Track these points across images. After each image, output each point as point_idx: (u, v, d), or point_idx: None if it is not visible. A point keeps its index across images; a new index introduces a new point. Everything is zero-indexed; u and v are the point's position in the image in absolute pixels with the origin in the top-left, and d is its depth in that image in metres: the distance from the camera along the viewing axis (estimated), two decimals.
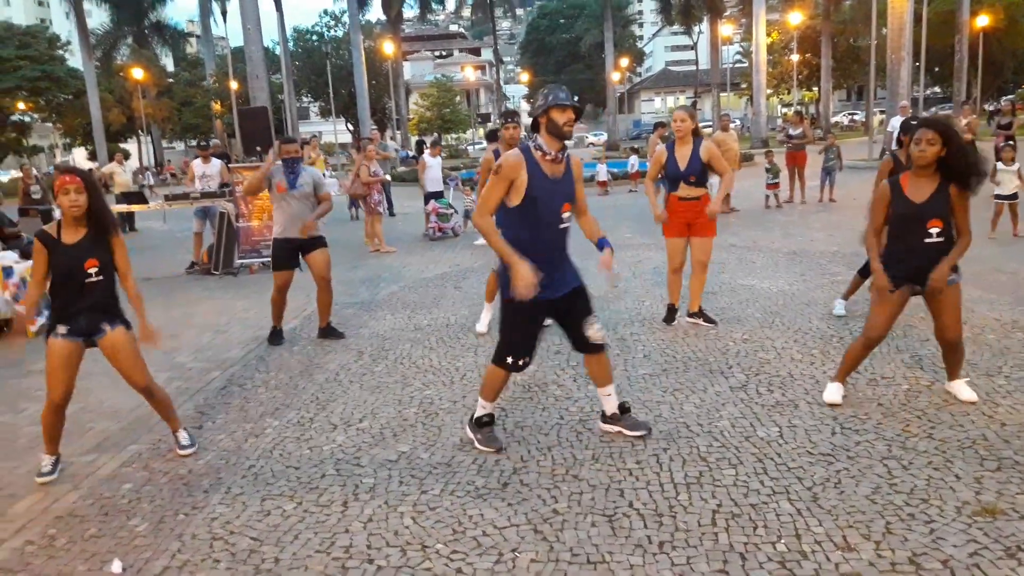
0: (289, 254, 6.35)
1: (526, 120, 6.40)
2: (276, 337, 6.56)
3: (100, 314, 4.02)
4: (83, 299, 3.95)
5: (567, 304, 3.91)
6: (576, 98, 3.79)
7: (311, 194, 6.30)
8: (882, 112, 28.65)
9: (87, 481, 4.02)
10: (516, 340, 3.88)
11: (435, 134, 50.73)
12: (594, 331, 3.93)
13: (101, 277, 3.97)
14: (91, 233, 3.95)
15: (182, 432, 4.36)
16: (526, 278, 3.58)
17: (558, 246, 3.84)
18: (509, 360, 3.90)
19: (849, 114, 59.70)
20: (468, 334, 6.42)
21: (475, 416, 4.16)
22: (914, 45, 23.88)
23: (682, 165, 5.89)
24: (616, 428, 4.15)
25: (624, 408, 4.18)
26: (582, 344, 3.99)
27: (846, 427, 4.05)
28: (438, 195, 13.03)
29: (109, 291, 4.05)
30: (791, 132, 14.65)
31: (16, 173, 37.65)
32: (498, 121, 6.13)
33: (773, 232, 11.04)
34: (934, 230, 3.95)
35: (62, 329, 3.95)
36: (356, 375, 5.52)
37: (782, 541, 3.02)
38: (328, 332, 6.60)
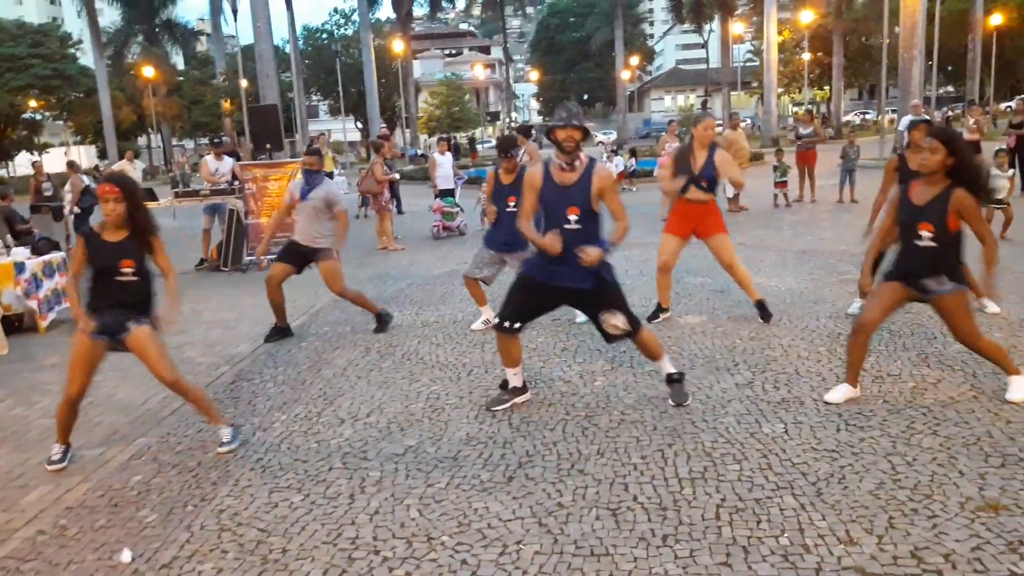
0: (292, 253, 6.48)
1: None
2: (277, 333, 6.60)
3: (128, 311, 4.11)
4: (113, 296, 4.08)
5: (583, 301, 4.40)
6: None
7: (323, 209, 6.31)
8: (894, 111, 28.54)
9: (97, 473, 4.07)
10: (508, 303, 4.43)
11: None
12: (608, 325, 4.27)
13: (135, 277, 4.09)
14: (131, 235, 4.09)
15: (223, 428, 4.29)
16: (548, 244, 4.14)
17: (566, 245, 4.13)
18: (496, 319, 4.48)
19: (860, 113, 59.43)
20: (475, 331, 6.44)
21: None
22: (927, 44, 23.77)
23: (696, 168, 5.90)
24: (668, 389, 4.55)
25: (672, 379, 4.52)
26: (604, 333, 4.37)
27: (851, 424, 4.05)
28: (449, 193, 13.07)
29: (142, 291, 4.16)
30: (801, 131, 14.61)
31: (25, 171, 37.84)
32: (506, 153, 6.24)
33: (782, 231, 11.04)
34: (925, 233, 4.03)
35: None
36: (363, 371, 5.56)
37: (785, 535, 3.03)
38: (378, 320, 6.66)
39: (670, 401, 4.46)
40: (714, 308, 6.67)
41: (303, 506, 3.54)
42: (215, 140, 12.02)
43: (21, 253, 7.73)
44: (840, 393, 4.39)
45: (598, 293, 4.25)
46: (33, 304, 7.48)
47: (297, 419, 4.67)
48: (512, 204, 5.98)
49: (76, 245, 4.18)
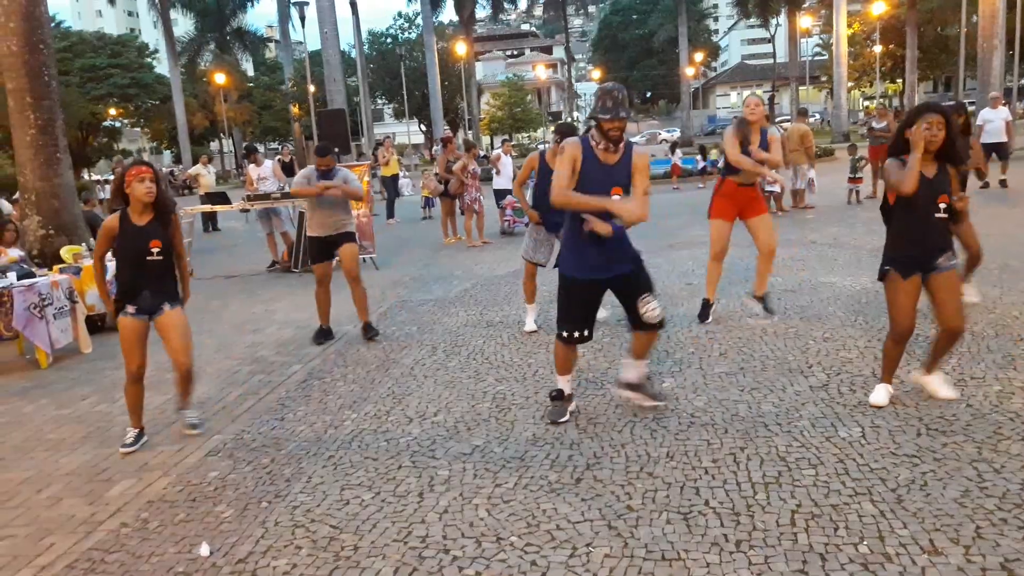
0: (323, 249, 6.65)
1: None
2: (322, 336, 6.73)
3: (161, 294, 4.46)
4: (144, 278, 4.41)
5: (622, 284, 4.17)
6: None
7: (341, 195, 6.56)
8: (971, 103, 27.45)
9: (176, 469, 4.20)
10: (571, 315, 4.24)
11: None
12: (648, 310, 4.10)
13: (161, 258, 4.40)
14: (156, 217, 4.40)
15: (189, 413, 4.73)
16: (602, 229, 3.93)
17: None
18: (564, 334, 4.25)
19: None
20: (539, 331, 6.43)
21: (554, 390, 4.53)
22: (1007, 33, 22.81)
23: (754, 149, 5.84)
24: (630, 395, 4.46)
25: (639, 383, 4.42)
26: (637, 322, 4.20)
27: (932, 428, 3.90)
28: (508, 192, 13.14)
29: (169, 272, 4.50)
30: (875, 125, 14.17)
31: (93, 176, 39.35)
32: (554, 137, 6.26)
33: (856, 228, 10.72)
34: (942, 205, 4.02)
35: (131, 308, 4.43)
36: (431, 370, 5.61)
37: (864, 543, 2.93)
38: (366, 329, 6.67)
39: (644, 404, 4.40)
40: (785, 308, 6.51)
41: (374, 504, 3.58)
42: (249, 147, 12.54)
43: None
44: (884, 394, 4.28)
45: (634, 275, 4.13)
46: None
47: (367, 417, 4.74)
48: None
49: (107, 224, 4.43)
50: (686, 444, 3.96)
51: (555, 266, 4.32)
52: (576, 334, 4.24)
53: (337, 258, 6.68)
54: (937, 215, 4.03)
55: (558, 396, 4.47)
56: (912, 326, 4.16)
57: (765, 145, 5.83)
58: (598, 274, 4.13)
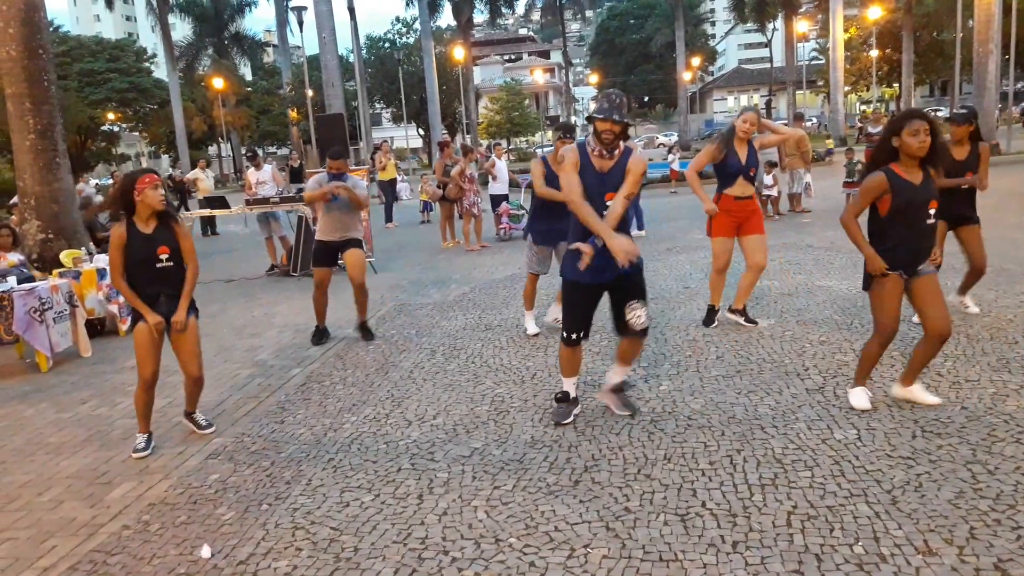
0: (327, 254, 6.74)
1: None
2: (320, 336, 6.86)
3: (176, 298, 4.46)
4: (157, 284, 4.41)
5: (615, 287, 4.21)
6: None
7: (350, 201, 6.61)
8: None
9: (176, 472, 4.22)
10: (575, 317, 4.29)
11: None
12: (634, 316, 4.17)
13: (171, 263, 4.42)
14: (160, 225, 4.42)
15: (199, 414, 4.84)
16: (623, 247, 3.83)
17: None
18: (565, 335, 4.33)
19: (932, 110, 57.45)
20: (540, 333, 6.46)
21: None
22: (1003, 37, 22.90)
23: (743, 159, 5.94)
24: (607, 401, 4.55)
25: (619, 388, 4.51)
26: (622, 327, 4.24)
27: (928, 431, 3.94)
28: (504, 198, 13.14)
29: (180, 278, 4.48)
30: (871, 130, 14.24)
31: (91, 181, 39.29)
32: (555, 134, 6.30)
33: None
34: (932, 211, 4.06)
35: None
36: (429, 373, 5.63)
37: (859, 543, 2.96)
38: (362, 328, 6.83)
39: (616, 410, 4.48)
40: (782, 311, 6.55)
41: (373, 506, 3.61)
42: (249, 152, 12.55)
43: (103, 260, 8.06)
44: (866, 397, 4.33)
45: (632, 277, 4.15)
46: (114, 308, 7.80)
47: (366, 420, 4.76)
48: None
49: (115, 234, 4.39)
50: (683, 446, 3.99)
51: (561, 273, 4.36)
52: (575, 336, 4.30)
53: (341, 262, 6.72)
54: (928, 221, 4.06)
55: (563, 398, 4.52)
56: (897, 328, 4.20)
57: (754, 158, 5.94)
58: (600, 277, 4.14)
